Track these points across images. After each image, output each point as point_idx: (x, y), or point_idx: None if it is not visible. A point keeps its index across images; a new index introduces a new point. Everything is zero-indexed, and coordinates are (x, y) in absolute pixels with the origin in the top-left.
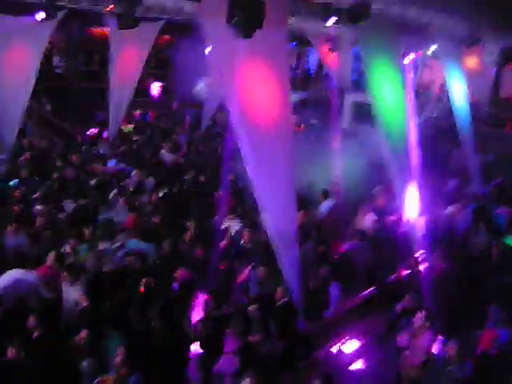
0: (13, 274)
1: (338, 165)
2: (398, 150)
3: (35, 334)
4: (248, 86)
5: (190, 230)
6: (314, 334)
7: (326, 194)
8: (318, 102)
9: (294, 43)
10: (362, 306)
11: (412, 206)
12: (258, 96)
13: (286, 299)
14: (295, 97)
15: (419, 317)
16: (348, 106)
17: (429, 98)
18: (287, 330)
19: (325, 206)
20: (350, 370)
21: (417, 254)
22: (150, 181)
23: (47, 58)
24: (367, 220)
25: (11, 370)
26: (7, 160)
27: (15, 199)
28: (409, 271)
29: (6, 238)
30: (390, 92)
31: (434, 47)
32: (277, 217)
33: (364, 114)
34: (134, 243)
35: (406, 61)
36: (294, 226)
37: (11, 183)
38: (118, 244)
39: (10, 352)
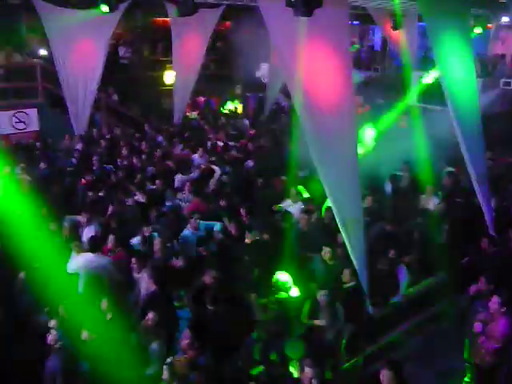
0: (86, 257)
1: (406, 145)
2: (469, 127)
3: (108, 317)
4: (310, 68)
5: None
6: (382, 319)
7: (393, 178)
8: (384, 81)
9: (357, 21)
10: (433, 290)
11: (480, 185)
12: (320, 77)
13: (353, 283)
14: (359, 77)
15: (495, 301)
16: (415, 84)
17: (503, 71)
18: (354, 314)
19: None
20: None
21: (488, 236)
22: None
23: (113, 49)
24: (430, 202)
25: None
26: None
27: (86, 187)
28: (482, 253)
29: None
30: (459, 68)
31: (505, 19)
32: (342, 200)
33: (432, 91)
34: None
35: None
36: (360, 209)
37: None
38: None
39: (84, 334)
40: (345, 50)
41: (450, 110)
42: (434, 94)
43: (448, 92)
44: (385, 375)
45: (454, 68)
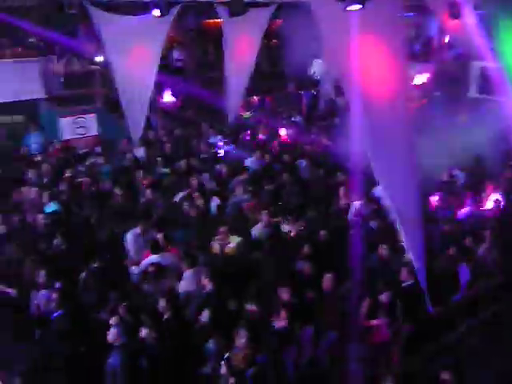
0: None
1: (465, 139)
2: None
3: (165, 316)
4: (363, 63)
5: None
6: (443, 319)
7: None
8: (442, 72)
9: (412, 13)
10: (495, 290)
11: None
12: (374, 72)
13: (412, 281)
14: (416, 69)
15: None
16: (475, 75)
17: None
18: (413, 312)
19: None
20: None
21: None
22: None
23: (167, 53)
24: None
25: (142, 350)
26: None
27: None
28: None
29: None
30: None
31: None
32: (399, 198)
33: (493, 82)
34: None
35: None
36: (418, 206)
37: None
38: None
39: (143, 332)
40: (399, 43)
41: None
42: (495, 85)
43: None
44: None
45: None
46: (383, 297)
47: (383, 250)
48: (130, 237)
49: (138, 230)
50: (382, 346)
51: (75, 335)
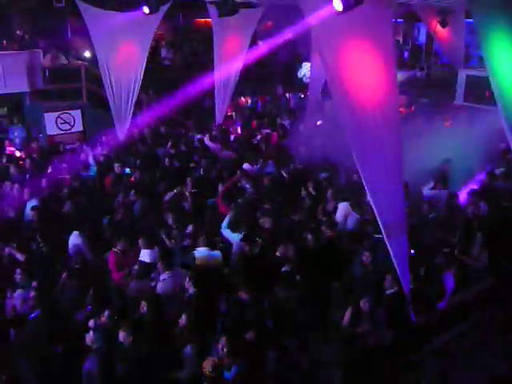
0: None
1: (451, 146)
2: None
3: (145, 319)
4: (351, 67)
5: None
6: (427, 326)
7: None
8: (429, 80)
9: (401, 20)
10: (480, 298)
11: None
12: (362, 77)
13: (395, 289)
14: (403, 76)
15: None
16: (461, 83)
17: None
18: (397, 320)
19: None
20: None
21: None
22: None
23: (155, 51)
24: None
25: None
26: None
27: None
28: None
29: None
30: (510, 66)
31: None
32: (384, 204)
33: (479, 90)
34: None
35: None
36: (402, 214)
37: None
38: None
39: (121, 336)
40: (389, 49)
41: (500, 110)
42: (482, 93)
43: (498, 91)
44: None
45: (505, 66)
46: (363, 304)
47: (365, 257)
48: None
49: None
50: (365, 352)
51: (52, 337)
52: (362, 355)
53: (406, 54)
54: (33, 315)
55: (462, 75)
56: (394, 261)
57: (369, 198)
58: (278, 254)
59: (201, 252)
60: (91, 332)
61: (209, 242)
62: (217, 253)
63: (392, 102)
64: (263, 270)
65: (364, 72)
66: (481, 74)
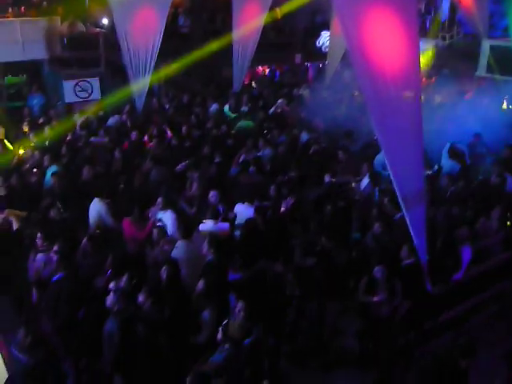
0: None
1: (473, 119)
2: None
3: (164, 283)
4: (372, 36)
5: None
6: (442, 297)
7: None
8: (451, 50)
9: None
10: (497, 271)
11: None
12: (385, 45)
13: (412, 259)
14: (426, 45)
15: None
16: (485, 53)
17: None
18: (413, 290)
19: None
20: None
21: None
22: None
23: (173, 19)
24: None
25: (139, 316)
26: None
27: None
28: None
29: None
30: None
31: None
32: (403, 174)
33: (504, 61)
34: None
35: None
36: (421, 184)
37: None
38: None
39: (141, 298)
40: (411, 17)
41: None
42: (507, 64)
43: None
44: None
45: None
46: (376, 272)
47: (377, 226)
48: None
49: None
50: (381, 322)
51: (74, 299)
52: (378, 324)
53: (429, 22)
54: (55, 277)
55: (486, 45)
56: (411, 231)
57: (388, 168)
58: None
59: (207, 225)
60: (111, 294)
61: (215, 214)
62: (225, 224)
63: (414, 70)
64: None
65: (386, 40)
66: (506, 44)
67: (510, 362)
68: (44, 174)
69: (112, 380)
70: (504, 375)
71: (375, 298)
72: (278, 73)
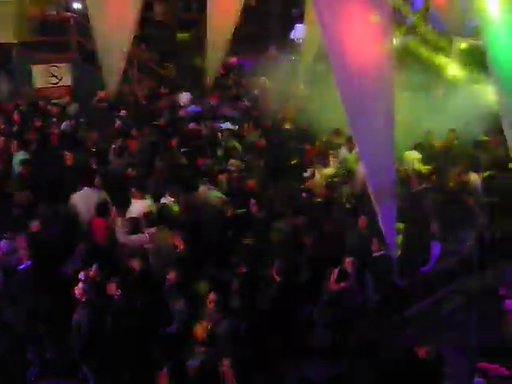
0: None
1: (440, 116)
2: None
3: (134, 274)
4: (348, 29)
5: None
6: (409, 290)
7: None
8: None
9: None
10: (463, 265)
11: None
12: (361, 38)
13: (382, 252)
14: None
15: None
16: (455, 52)
17: None
18: (382, 282)
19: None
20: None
21: None
22: None
23: (147, 6)
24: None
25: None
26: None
27: None
28: None
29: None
30: (507, 36)
31: None
32: (374, 166)
33: (474, 60)
34: None
35: None
36: (391, 177)
37: None
38: None
39: (109, 288)
40: (386, 11)
41: (494, 80)
42: (475, 63)
43: (492, 61)
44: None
45: (501, 36)
46: (347, 263)
47: (362, 220)
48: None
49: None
50: (351, 310)
51: (41, 288)
52: (349, 315)
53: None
54: (22, 266)
55: (456, 46)
56: (381, 225)
57: (360, 159)
58: None
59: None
60: (80, 284)
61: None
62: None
63: (388, 64)
64: None
65: (362, 33)
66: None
67: (471, 355)
68: (10, 161)
69: (80, 369)
70: (465, 367)
71: (343, 284)
72: (246, 64)
